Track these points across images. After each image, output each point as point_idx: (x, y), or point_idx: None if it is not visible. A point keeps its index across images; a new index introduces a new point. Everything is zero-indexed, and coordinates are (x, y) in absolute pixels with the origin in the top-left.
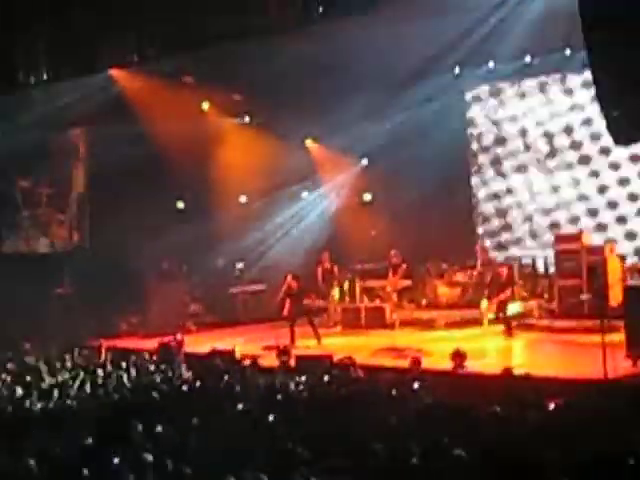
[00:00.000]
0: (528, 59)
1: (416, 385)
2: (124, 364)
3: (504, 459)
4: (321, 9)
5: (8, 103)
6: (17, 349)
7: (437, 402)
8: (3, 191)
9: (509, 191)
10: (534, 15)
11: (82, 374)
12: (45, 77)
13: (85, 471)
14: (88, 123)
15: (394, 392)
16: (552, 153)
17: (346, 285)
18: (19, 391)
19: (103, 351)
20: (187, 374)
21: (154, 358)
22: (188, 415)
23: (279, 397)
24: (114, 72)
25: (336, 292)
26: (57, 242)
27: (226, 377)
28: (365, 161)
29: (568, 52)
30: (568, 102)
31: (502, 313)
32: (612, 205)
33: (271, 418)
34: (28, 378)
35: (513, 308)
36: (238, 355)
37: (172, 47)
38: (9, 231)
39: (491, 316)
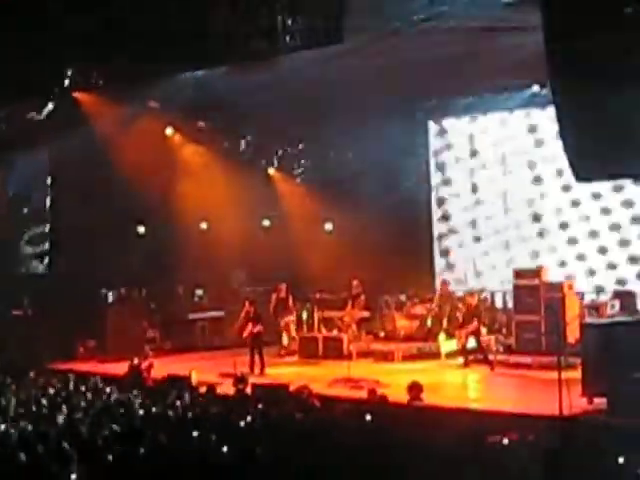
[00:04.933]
0: (490, 95)
1: (369, 417)
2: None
3: None
4: (288, 40)
5: None
6: None
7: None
8: None
9: (470, 224)
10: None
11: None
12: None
13: None
14: (52, 144)
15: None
16: (513, 189)
17: (304, 314)
18: None
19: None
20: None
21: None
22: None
23: (233, 426)
24: (79, 95)
25: (292, 322)
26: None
27: (178, 403)
28: (327, 191)
29: (536, 88)
30: (531, 138)
31: (463, 345)
32: (572, 241)
33: (225, 449)
34: None
35: (470, 342)
36: (194, 382)
37: (138, 74)
38: None
39: (451, 348)
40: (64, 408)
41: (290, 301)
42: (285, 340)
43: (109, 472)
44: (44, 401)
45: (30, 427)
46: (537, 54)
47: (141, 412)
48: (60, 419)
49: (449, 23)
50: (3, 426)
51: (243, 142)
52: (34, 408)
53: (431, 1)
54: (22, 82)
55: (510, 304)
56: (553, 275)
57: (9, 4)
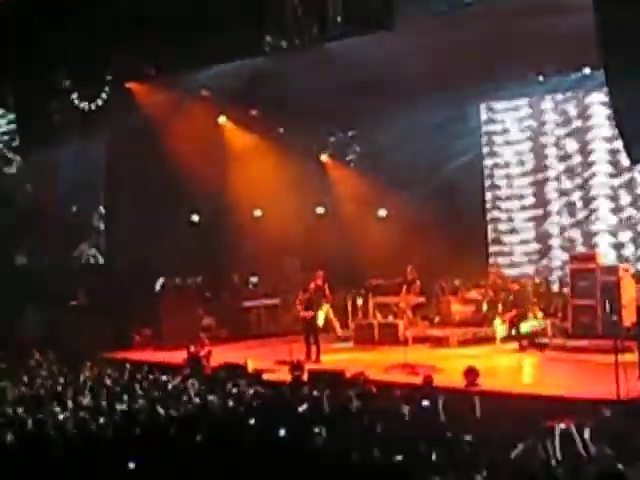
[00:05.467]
0: (542, 78)
1: (425, 402)
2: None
3: None
4: (339, 26)
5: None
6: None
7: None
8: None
9: (524, 208)
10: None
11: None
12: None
13: None
14: (107, 135)
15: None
16: (568, 171)
17: (359, 301)
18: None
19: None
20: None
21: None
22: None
23: (290, 412)
24: (132, 85)
25: (322, 311)
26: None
27: (235, 390)
28: (380, 176)
29: (587, 71)
30: (586, 121)
31: (515, 330)
32: (628, 225)
33: (282, 433)
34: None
35: (526, 326)
36: (250, 369)
37: (190, 61)
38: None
39: (504, 333)
40: (124, 397)
41: (327, 289)
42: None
43: (169, 459)
44: (102, 391)
45: (87, 416)
46: (589, 35)
47: (198, 400)
48: (120, 408)
49: (498, 4)
50: (62, 416)
51: (295, 129)
52: (92, 398)
53: None
54: (75, 73)
55: (565, 288)
56: (608, 259)
57: None
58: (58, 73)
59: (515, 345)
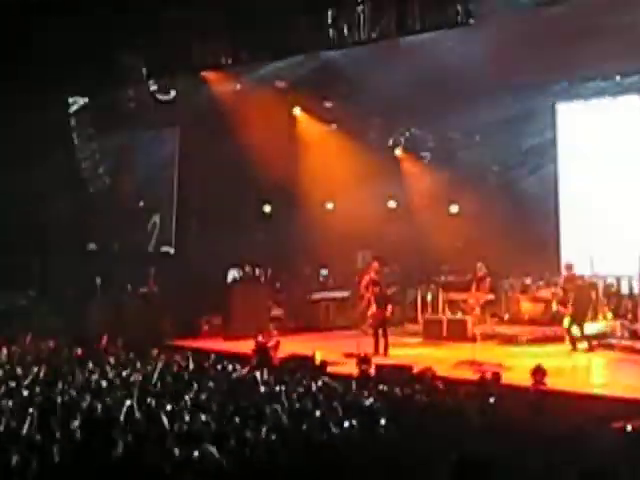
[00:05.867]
0: (619, 78)
1: (492, 400)
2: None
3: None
4: (417, 22)
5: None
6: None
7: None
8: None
9: (597, 209)
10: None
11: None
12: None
13: None
14: (181, 123)
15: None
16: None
17: (429, 296)
18: (104, 384)
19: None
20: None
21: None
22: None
23: (356, 404)
24: (207, 74)
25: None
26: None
27: (303, 382)
28: (453, 173)
29: None
30: None
31: (581, 329)
32: None
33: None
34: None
35: (595, 327)
36: (318, 361)
37: (266, 52)
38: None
39: (576, 333)
40: (194, 386)
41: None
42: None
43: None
44: (169, 378)
45: (154, 403)
46: None
47: (265, 390)
48: (186, 398)
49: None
50: (129, 401)
51: (370, 122)
52: (159, 385)
53: None
54: (152, 61)
55: (636, 289)
56: None
57: None
58: (135, 60)
59: (584, 345)
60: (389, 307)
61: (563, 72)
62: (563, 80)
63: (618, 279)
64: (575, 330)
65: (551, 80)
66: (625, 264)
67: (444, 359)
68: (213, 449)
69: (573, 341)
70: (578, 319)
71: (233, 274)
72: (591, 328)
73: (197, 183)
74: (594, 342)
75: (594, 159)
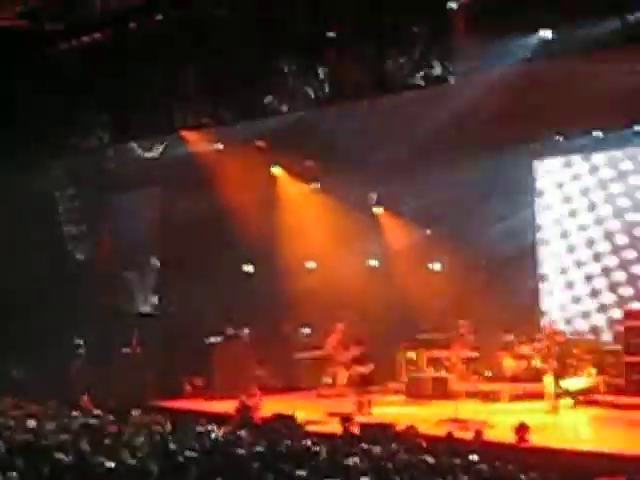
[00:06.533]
0: (599, 133)
1: (474, 457)
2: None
3: None
4: (394, 79)
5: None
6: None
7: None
8: None
9: (577, 264)
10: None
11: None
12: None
13: None
14: (162, 183)
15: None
16: (623, 229)
17: (411, 354)
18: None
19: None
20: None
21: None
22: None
23: (339, 464)
24: (186, 134)
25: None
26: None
27: (285, 441)
28: (430, 230)
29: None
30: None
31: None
32: None
33: None
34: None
35: (577, 383)
36: (301, 420)
37: (247, 114)
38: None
39: (559, 389)
40: (171, 446)
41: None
42: (330, 379)
43: None
44: (147, 439)
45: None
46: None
47: (248, 450)
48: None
49: (552, 63)
50: (108, 464)
51: (349, 180)
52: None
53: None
54: (134, 121)
55: (619, 345)
56: None
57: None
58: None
59: (567, 401)
60: (369, 365)
61: (541, 130)
62: (541, 138)
63: (600, 334)
64: (558, 386)
65: (529, 138)
66: (607, 320)
67: (427, 417)
68: None
69: (557, 397)
70: (562, 375)
71: (215, 334)
72: (574, 384)
73: (178, 244)
74: (579, 398)
75: (573, 216)
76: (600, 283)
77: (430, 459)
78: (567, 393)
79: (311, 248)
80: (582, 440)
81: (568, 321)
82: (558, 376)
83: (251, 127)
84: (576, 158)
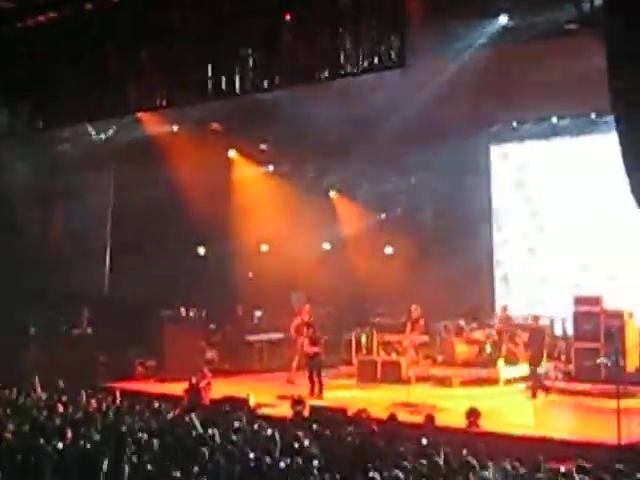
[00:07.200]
0: (555, 120)
1: (425, 441)
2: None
3: None
4: (351, 63)
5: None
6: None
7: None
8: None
9: (530, 251)
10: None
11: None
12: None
13: None
14: (114, 164)
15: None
16: (576, 215)
17: (363, 338)
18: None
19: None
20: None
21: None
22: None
23: (291, 447)
24: (142, 115)
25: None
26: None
27: (235, 424)
28: (388, 214)
29: (593, 116)
30: (594, 164)
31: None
32: (633, 273)
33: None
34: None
35: (527, 369)
36: (252, 403)
37: (201, 94)
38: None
39: (510, 375)
40: (122, 427)
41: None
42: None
43: None
44: (100, 420)
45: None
46: (598, 81)
47: (197, 432)
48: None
49: (512, 48)
50: (61, 444)
51: (305, 164)
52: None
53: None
54: (88, 103)
55: (569, 331)
56: (612, 305)
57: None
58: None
59: (517, 387)
60: (320, 346)
61: (499, 115)
62: (497, 123)
63: (552, 321)
64: (508, 372)
65: (486, 123)
66: (558, 306)
67: (378, 401)
68: None
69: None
70: (535, 361)
71: (166, 315)
72: (523, 370)
73: (131, 224)
74: (528, 383)
75: (528, 201)
76: (553, 270)
77: (381, 442)
78: (520, 379)
79: (265, 231)
80: (532, 425)
81: (521, 307)
82: (533, 362)
83: (207, 108)
84: (532, 143)
